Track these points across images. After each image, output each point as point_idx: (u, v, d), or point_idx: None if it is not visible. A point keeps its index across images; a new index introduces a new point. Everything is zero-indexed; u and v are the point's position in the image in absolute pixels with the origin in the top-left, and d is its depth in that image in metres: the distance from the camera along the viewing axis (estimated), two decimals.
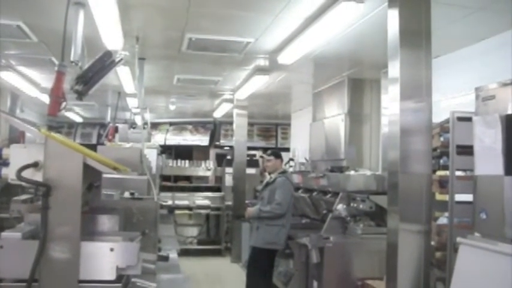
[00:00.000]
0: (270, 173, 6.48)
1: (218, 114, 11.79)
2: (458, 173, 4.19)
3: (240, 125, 10.28)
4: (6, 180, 2.13)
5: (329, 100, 8.12)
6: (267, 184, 6.34)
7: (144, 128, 5.91)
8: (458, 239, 3.51)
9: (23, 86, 8.38)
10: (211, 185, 11.63)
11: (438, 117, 4.43)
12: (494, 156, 3.26)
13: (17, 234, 2.09)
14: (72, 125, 14.00)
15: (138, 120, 9.24)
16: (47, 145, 2.09)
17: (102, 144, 6.96)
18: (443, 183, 4.38)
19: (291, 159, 9.61)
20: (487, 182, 3.38)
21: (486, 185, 3.40)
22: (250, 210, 6.32)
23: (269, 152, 6.74)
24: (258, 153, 13.27)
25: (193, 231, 10.79)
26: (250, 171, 10.57)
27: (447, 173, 4.26)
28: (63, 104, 2.68)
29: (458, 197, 4.14)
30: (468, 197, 3.75)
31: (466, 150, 3.84)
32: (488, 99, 3.52)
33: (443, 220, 4.45)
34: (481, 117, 3.47)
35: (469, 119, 3.70)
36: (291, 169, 8.66)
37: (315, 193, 6.94)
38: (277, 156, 6.50)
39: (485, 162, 3.38)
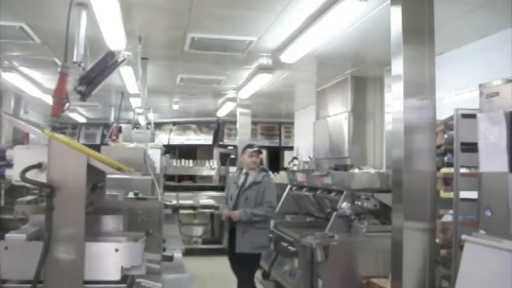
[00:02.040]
0: (251, 169, 5.85)
1: (221, 113, 11.80)
2: (463, 170, 4.18)
3: (243, 124, 10.29)
4: (10, 181, 2.14)
5: (332, 98, 8.11)
6: (253, 183, 5.70)
7: (147, 128, 5.91)
8: (464, 237, 3.50)
9: (26, 87, 8.40)
10: (215, 185, 11.63)
11: (442, 115, 4.42)
12: (498, 153, 3.25)
13: (21, 235, 2.10)
14: (76, 125, 14.04)
15: (142, 120, 9.23)
16: (50, 146, 2.09)
17: (106, 144, 6.96)
18: (447, 181, 4.36)
19: (295, 158, 9.60)
20: (492, 179, 3.38)
21: (491, 182, 3.40)
22: (236, 214, 5.58)
23: (256, 145, 6.14)
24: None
25: (197, 231, 10.79)
26: None
27: (452, 170, 4.25)
28: (67, 104, 2.67)
29: (463, 194, 4.12)
30: (473, 194, 3.74)
31: (471, 147, 3.83)
32: (492, 95, 3.51)
33: (448, 217, 4.43)
34: (485, 114, 3.46)
35: (473, 116, 3.70)
36: (294, 168, 8.64)
37: (319, 191, 6.94)
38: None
39: (490, 159, 3.37)
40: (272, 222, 7.25)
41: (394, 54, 3.86)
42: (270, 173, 6.13)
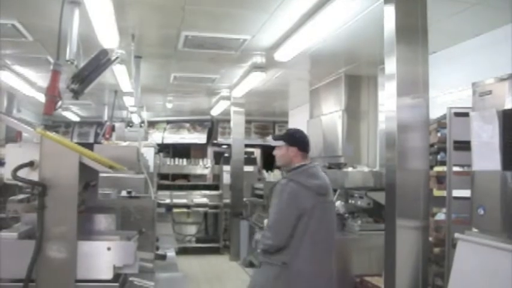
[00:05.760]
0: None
1: (215, 112, 11.78)
2: (456, 169, 4.20)
3: (237, 122, 10.29)
4: (2, 180, 2.12)
5: (326, 97, 8.12)
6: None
7: (141, 126, 5.89)
8: (456, 235, 3.51)
9: (19, 85, 8.36)
10: (209, 183, 11.65)
11: (435, 113, 4.44)
12: (491, 152, 3.26)
13: (13, 234, 2.08)
14: (69, 124, 13.98)
15: (135, 119, 9.22)
16: (42, 144, 2.08)
17: (99, 143, 6.94)
18: (440, 179, 4.39)
19: None
20: (485, 178, 3.39)
21: (484, 181, 3.41)
22: None
23: (279, 132, 4.26)
24: (256, 151, 13.30)
25: (191, 230, 10.81)
26: (248, 168, 10.59)
27: (445, 168, 4.27)
28: (59, 102, 2.66)
29: (456, 193, 4.14)
30: (466, 193, 3.76)
31: (464, 145, 3.85)
32: (485, 94, 3.52)
33: (441, 216, 4.45)
34: (478, 113, 3.47)
35: (466, 115, 3.71)
36: None
37: None
38: (290, 140, 3.72)
39: (482, 157, 3.38)
40: (265, 221, 7.24)
41: (388, 53, 3.86)
42: (299, 170, 3.66)
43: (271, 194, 3.72)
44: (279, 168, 10.19)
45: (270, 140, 3.81)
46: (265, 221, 7.03)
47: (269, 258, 3.50)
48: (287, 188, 3.50)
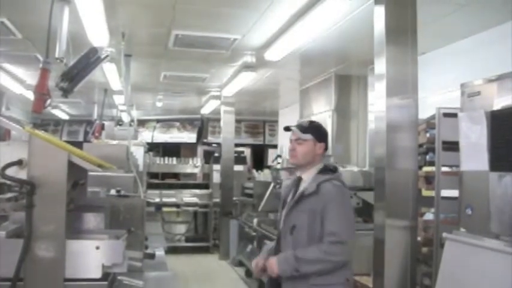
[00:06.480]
0: (297, 167, 3.14)
1: (205, 111, 11.77)
2: (444, 169, 4.22)
3: (227, 121, 10.29)
4: None
5: (316, 97, 8.13)
6: (303, 196, 2.95)
7: (130, 125, 5.87)
8: (444, 235, 3.53)
9: (8, 83, 8.30)
10: (199, 182, 11.65)
11: (424, 114, 4.45)
12: (479, 152, 3.29)
13: (1, 232, 2.07)
14: (58, 122, 13.90)
15: (125, 118, 9.19)
16: (31, 143, 2.07)
17: (89, 141, 6.91)
18: (429, 179, 4.41)
19: (279, 156, 9.61)
20: (473, 178, 3.41)
21: (472, 181, 3.44)
22: (273, 263, 2.92)
23: (303, 122, 3.15)
24: (246, 150, 13.29)
25: (181, 229, 10.79)
26: (238, 168, 10.58)
27: (433, 168, 4.29)
28: (48, 101, 2.66)
29: (444, 193, 4.16)
30: (454, 193, 3.78)
31: (452, 146, 3.87)
32: (473, 95, 3.55)
33: (429, 216, 4.47)
34: (466, 113, 3.50)
35: (454, 115, 3.73)
36: (278, 166, 8.63)
37: None
38: (319, 135, 3.06)
39: (470, 158, 3.41)
40: (255, 220, 7.24)
41: (377, 53, 3.88)
42: (339, 173, 3.11)
43: (308, 195, 2.92)
44: (268, 167, 10.21)
45: (296, 132, 3.04)
46: (255, 220, 7.01)
47: (324, 279, 2.88)
48: (346, 191, 2.99)
